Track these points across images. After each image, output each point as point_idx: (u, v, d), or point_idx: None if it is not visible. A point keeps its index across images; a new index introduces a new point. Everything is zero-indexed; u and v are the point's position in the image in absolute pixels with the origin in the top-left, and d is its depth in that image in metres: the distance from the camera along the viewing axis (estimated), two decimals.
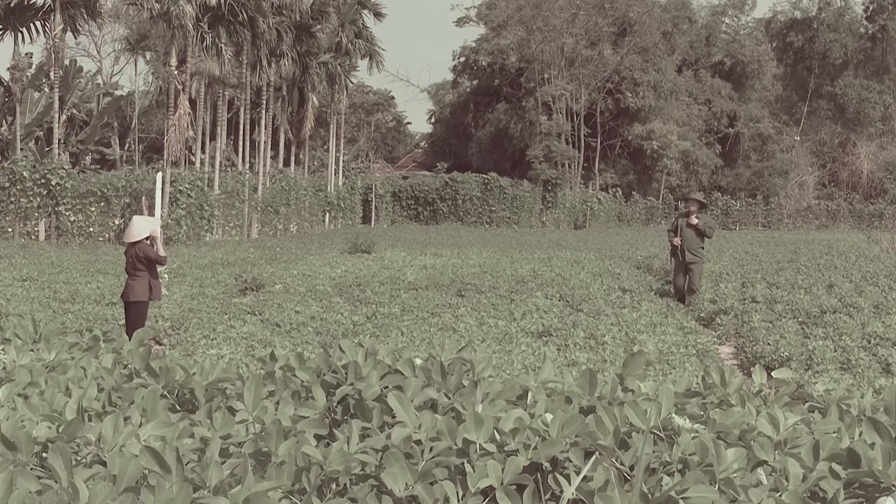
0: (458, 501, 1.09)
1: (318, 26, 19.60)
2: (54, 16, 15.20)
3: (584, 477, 1.11)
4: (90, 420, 1.31)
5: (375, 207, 25.97)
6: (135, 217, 5.51)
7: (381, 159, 36.73)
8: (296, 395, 1.46)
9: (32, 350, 1.72)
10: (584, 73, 29.56)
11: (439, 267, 10.85)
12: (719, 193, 32.54)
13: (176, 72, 15.91)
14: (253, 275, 8.85)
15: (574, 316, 6.78)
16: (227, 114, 19.68)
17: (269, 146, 19.89)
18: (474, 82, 33.04)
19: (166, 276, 7.47)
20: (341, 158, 24.62)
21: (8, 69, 17.17)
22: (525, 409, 1.30)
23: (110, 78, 30.16)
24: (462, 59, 33.03)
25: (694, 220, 7.80)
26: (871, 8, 36.16)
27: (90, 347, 1.79)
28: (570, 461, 1.15)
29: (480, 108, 31.64)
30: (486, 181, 26.84)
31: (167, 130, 15.79)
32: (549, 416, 1.22)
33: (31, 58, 23.40)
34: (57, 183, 14.73)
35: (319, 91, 21.55)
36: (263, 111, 19.32)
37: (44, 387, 1.44)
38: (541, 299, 7.68)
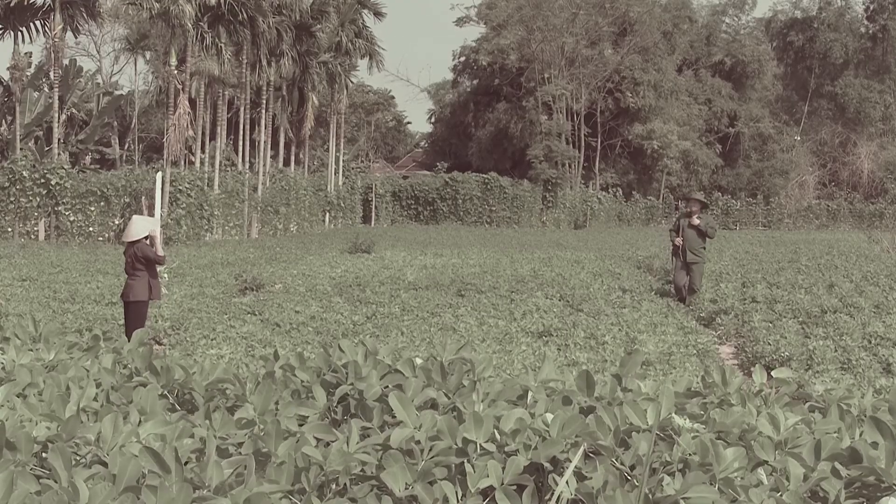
0: (458, 501, 1.09)
1: (318, 26, 19.59)
2: (54, 15, 15.18)
3: (583, 476, 1.11)
4: (89, 420, 1.31)
5: (375, 207, 25.95)
6: (134, 216, 5.50)
7: (381, 159, 36.73)
8: (296, 394, 1.46)
9: (32, 350, 1.72)
10: (585, 72, 29.53)
11: (439, 267, 10.84)
12: (720, 193, 32.51)
13: (176, 71, 15.90)
14: (253, 275, 8.85)
15: (574, 316, 6.77)
16: (227, 113, 19.67)
17: (269, 146, 19.88)
18: (474, 82, 33.03)
19: (166, 275, 7.46)
20: (341, 158, 24.61)
21: (8, 69, 17.15)
22: (525, 409, 1.30)
23: (110, 77, 30.18)
24: (462, 59, 33.02)
25: (696, 221, 7.80)
26: (871, 7, 36.10)
27: (90, 347, 1.79)
28: (571, 461, 1.14)
29: (480, 107, 31.62)
30: (487, 181, 26.82)
31: (167, 130, 15.78)
32: (549, 416, 1.22)
33: (30, 57, 23.37)
34: (56, 183, 14.71)
35: (319, 91, 21.53)
36: (263, 111, 19.31)
37: (43, 386, 1.44)
38: (541, 299, 7.69)
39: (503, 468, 1.11)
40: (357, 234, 15.79)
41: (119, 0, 15.87)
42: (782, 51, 37.31)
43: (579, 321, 6.44)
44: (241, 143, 18.89)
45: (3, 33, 16.19)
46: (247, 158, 19.09)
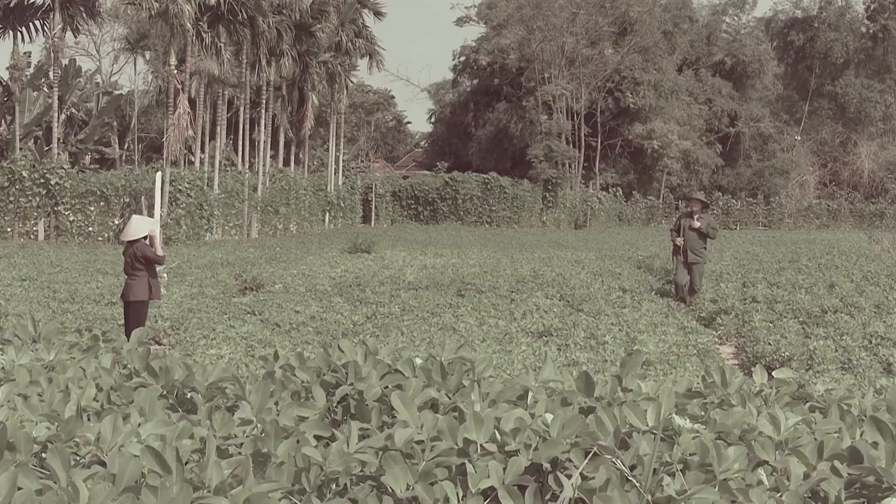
0: (459, 502, 1.09)
1: (318, 25, 19.58)
2: (53, 15, 15.15)
3: (584, 477, 1.11)
4: (89, 420, 1.31)
5: (375, 207, 25.92)
6: (133, 216, 5.51)
7: (381, 159, 36.72)
8: (296, 395, 1.45)
9: (32, 350, 1.72)
10: (585, 72, 29.50)
11: (439, 267, 10.84)
12: (720, 193, 32.43)
13: (175, 71, 15.88)
14: (253, 274, 8.84)
15: (574, 316, 6.78)
16: (227, 113, 19.64)
17: (269, 146, 19.86)
18: (474, 82, 33.01)
19: (165, 275, 7.47)
20: (341, 158, 24.58)
21: (7, 69, 17.14)
22: (526, 410, 1.30)
23: (109, 77, 30.17)
24: (462, 59, 33.00)
25: (696, 224, 7.77)
26: (872, 7, 36.01)
27: (89, 347, 1.79)
28: (571, 461, 1.14)
29: (480, 107, 31.60)
30: (487, 181, 26.79)
31: (167, 130, 15.76)
32: (549, 417, 1.22)
33: (29, 57, 23.34)
34: (56, 182, 14.69)
35: (319, 90, 21.50)
36: (263, 111, 19.29)
37: (43, 387, 1.44)
38: (541, 299, 7.69)
39: (504, 469, 1.11)
40: (357, 234, 15.76)
41: (118, 0, 15.85)
42: (783, 50, 37.24)
43: (579, 321, 6.45)
44: (240, 142, 18.88)
45: (3, 33, 16.17)
46: (247, 158, 19.09)
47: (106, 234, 14.83)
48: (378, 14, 22.39)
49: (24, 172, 14.56)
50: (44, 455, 1.13)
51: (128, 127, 26.25)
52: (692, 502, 1.05)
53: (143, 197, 13.90)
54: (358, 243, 13.51)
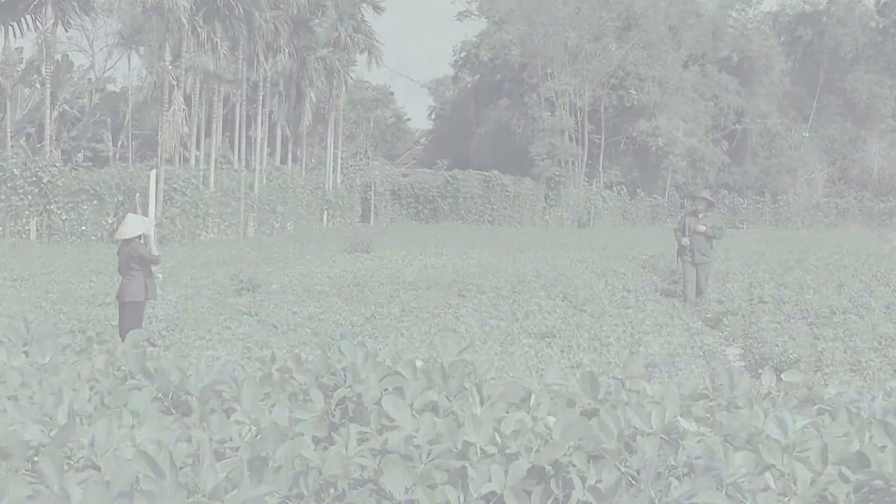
0: None
1: (316, 20, 19.51)
2: (45, 9, 14.97)
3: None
4: (83, 423, 1.28)
5: (374, 205, 25.87)
6: (128, 215, 5.48)
7: (381, 156, 36.62)
8: (293, 397, 1.43)
9: (24, 352, 1.69)
10: (588, 68, 29.29)
11: (440, 266, 10.81)
12: (726, 191, 32.07)
13: (170, 67, 15.80)
14: (249, 274, 8.80)
15: (578, 317, 6.74)
16: (223, 110, 19.52)
17: (266, 143, 19.80)
18: (475, 77, 32.87)
19: (160, 275, 7.42)
20: (339, 155, 24.50)
21: None
22: (528, 412, 1.28)
23: (103, 73, 29.97)
24: (463, 54, 32.84)
25: (701, 228, 7.67)
26: (882, 1, 35.62)
27: (83, 349, 1.76)
28: (574, 465, 1.12)
29: (482, 104, 31.49)
30: (488, 179, 26.70)
31: (161, 127, 15.68)
32: (551, 420, 1.19)
33: (21, 53, 23.16)
34: (48, 181, 14.52)
35: (317, 87, 21.40)
36: (260, 107, 19.21)
37: (35, 389, 1.42)
38: (544, 299, 7.65)
39: (505, 472, 1.08)
40: (356, 233, 15.69)
41: None
42: (790, 46, 36.71)
43: (583, 322, 6.42)
44: (237, 140, 18.82)
45: None
46: (243, 156, 19.03)
47: (99, 234, 14.70)
48: (377, 8, 22.27)
49: (15, 170, 14.39)
50: (36, 459, 1.11)
51: (122, 124, 26.11)
52: None
53: (137, 195, 13.83)
54: (357, 242, 13.48)
